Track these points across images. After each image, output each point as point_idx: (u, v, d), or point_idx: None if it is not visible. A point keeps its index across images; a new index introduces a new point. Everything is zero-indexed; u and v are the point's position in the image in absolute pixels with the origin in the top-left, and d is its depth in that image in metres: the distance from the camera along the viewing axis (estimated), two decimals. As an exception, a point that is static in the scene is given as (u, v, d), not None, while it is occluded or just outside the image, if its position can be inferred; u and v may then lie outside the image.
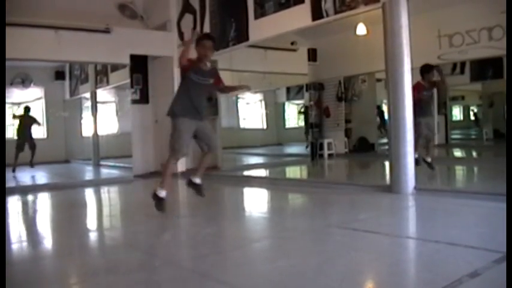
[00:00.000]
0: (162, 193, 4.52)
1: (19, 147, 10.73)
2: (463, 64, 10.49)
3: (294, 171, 10.03)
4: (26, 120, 11.03)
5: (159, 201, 4.52)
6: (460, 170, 8.63)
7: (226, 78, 10.45)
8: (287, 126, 15.08)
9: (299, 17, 6.38)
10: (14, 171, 10.47)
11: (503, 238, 2.62)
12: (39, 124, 11.28)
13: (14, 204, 6.19)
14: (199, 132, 4.70)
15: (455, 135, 13.43)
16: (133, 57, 8.68)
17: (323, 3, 6.07)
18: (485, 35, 7.72)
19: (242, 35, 7.40)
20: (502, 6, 6.65)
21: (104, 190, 7.56)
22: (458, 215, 4.14)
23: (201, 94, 4.62)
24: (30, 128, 11.00)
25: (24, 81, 13.18)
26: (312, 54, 10.99)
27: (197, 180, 4.85)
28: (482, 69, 10.39)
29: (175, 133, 4.68)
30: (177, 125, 4.65)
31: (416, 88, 6.78)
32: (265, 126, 15.03)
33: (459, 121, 14.64)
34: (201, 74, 4.54)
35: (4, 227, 4.34)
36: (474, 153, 11.81)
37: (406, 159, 5.17)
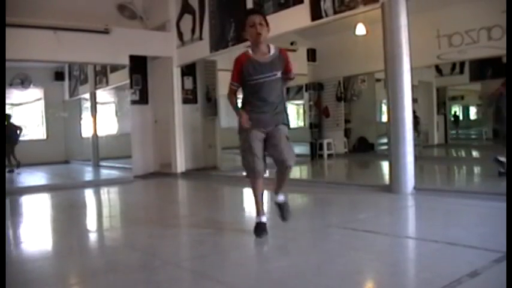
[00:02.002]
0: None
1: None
2: (462, 64, 10.50)
3: (293, 171, 9.96)
4: (11, 127, 11.02)
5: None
6: (459, 170, 8.63)
7: (226, 79, 10.57)
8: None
9: (298, 17, 6.38)
10: (12, 171, 10.65)
11: (503, 238, 2.62)
12: (21, 130, 11.29)
13: (13, 205, 6.19)
14: (268, 143, 3.68)
15: (455, 134, 13.45)
16: (132, 58, 8.67)
17: (322, 3, 6.07)
18: (484, 34, 7.73)
19: (241, 35, 7.39)
20: (501, 5, 6.67)
21: (104, 191, 7.56)
22: (457, 215, 4.15)
23: (267, 97, 3.53)
24: (15, 133, 10.99)
25: (24, 82, 13.16)
26: (312, 54, 11.00)
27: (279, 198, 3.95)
28: (482, 69, 10.39)
29: (244, 147, 3.69)
30: (244, 139, 3.64)
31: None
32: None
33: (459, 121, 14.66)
34: (261, 70, 3.49)
35: (4, 227, 4.33)
36: (473, 153, 11.81)
37: (406, 159, 5.17)
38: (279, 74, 3.54)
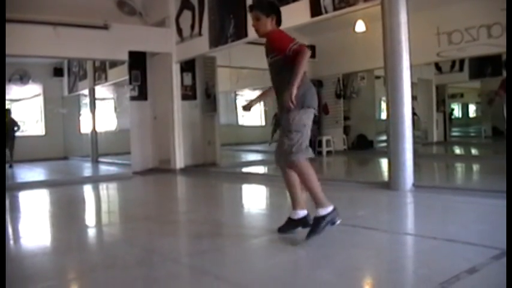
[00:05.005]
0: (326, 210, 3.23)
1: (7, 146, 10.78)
2: (462, 61, 10.51)
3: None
4: (10, 122, 10.98)
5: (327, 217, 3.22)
6: (458, 167, 8.64)
7: (225, 75, 10.56)
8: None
9: (298, 13, 6.36)
10: (11, 166, 10.62)
11: (501, 235, 2.62)
12: (18, 127, 11.24)
13: (12, 200, 6.19)
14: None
15: (454, 132, 13.46)
16: (131, 54, 8.66)
17: (322, -1, 6.07)
18: (484, 32, 7.72)
19: (241, 32, 7.39)
20: (501, 3, 6.65)
21: (103, 187, 7.56)
22: (456, 212, 4.15)
23: (274, 80, 3.49)
24: (13, 129, 10.96)
25: (23, 78, 13.17)
26: (311, 51, 10.98)
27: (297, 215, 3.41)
28: (481, 66, 10.40)
29: None
30: None
31: None
32: (263, 123, 15.03)
33: (458, 118, 14.68)
34: (268, 53, 3.52)
35: (4, 224, 4.33)
36: (473, 151, 11.82)
37: (405, 156, 5.16)
38: (276, 56, 3.38)
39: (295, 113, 3.19)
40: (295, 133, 3.19)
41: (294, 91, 3.09)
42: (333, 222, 3.22)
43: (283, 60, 3.31)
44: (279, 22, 3.56)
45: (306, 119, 3.26)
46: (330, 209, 3.21)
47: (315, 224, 3.21)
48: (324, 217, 3.19)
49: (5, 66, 6.57)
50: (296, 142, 3.19)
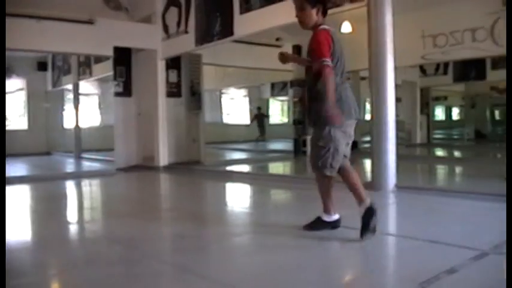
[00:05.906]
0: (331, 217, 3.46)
1: None
2: (446, 65, 10.63)
3: (276, 167, 10.04)
4: None
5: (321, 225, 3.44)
6: (441, 169, 8.73)
7: (210, 73, 10.53)
8: (271, 122, 15.12)
9: (284, 12, 6.34)
10: None
11: (482, 236, 2.66)
12: None
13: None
14: None
15: (437, 134, 13.62)
16: (117, 50, 8.59)
17: (309, -1, 6.06)
18: (468, 36, 7.80)
19: (227, 30, 7.37)
20: (487, 7, 6.74)
21: (85, 183, 7.49)
22: (438, 213, 4.18)
23: (307, 82, 3.61)
24: None
25: (6, 72, 12.99)
26: (297, 51, 10.99)
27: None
28: (466, 70, 10.53)
29: None
30: None
31: None
32: (248, 122, 15.05)
33: (441, 121, 14.85)
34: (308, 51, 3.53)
35: (4, 222, 4.28)
36: (455, 153, 11.96)
37: (388, 156, 5.20)
38: (311, 62, 3.38)
39: (326, 129, 3.32)
40: (322, 148, 3.33)
41: (329, 110, 3.20)
42: (333, 227, 3.43)
43: (316, 69, 3.27)
44: (324, 13, 3.43)
45: (339, 135, 3.42)
46: (334, 217, 3.45)
47: (315, 222, 3.44)
48: (325, 222, 3.42)
49: (5, 64, 6.46)
50: (322, 157, 3.34)
